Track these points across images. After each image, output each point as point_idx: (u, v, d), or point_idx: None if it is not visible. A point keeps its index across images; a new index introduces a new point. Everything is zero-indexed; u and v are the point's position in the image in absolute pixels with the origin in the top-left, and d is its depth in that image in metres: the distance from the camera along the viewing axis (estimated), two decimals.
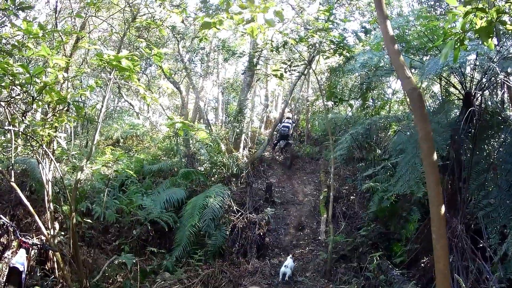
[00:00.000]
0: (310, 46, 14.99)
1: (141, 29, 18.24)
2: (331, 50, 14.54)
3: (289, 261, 12.65)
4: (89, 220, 11.65)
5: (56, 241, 9.30)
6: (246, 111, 21.95)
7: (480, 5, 5.23)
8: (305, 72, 19.19)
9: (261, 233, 14.76)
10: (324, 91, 18.07)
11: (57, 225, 9.86)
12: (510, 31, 5.91)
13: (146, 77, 23.45)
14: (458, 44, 5.55)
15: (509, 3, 5.53)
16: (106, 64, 8.04)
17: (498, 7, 5.23)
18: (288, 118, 23.93)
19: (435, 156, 5.94)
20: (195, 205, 14.24)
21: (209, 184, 17.10)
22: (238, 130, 20.86)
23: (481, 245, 8.93)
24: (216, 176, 18.36)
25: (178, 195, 15.09)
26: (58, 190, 11.34)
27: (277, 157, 25.35)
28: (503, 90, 12.96)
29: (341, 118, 21.96)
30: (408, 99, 15.65)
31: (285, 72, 14.53)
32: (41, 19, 18.71)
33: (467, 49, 9.34)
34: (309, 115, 28.69)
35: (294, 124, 24.81)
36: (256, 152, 21.46)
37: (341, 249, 13.55)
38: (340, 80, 19.26)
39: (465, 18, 5.37)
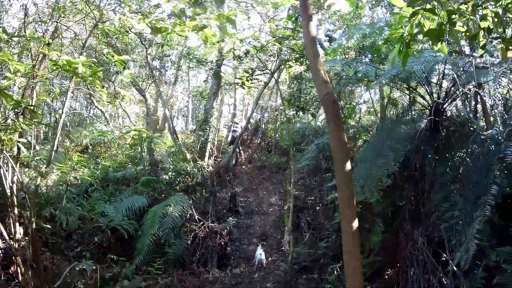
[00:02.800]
0: (273, 55, 14.77)
1: (110, 36, 17.88)
2: (293, 59, 14.32)
3: (260, 250, 14.35)
4: (48, 226, 11.49)
5: (19, 245, 9.29)
6: (212, 119, 21.59)
7: (429, 6, 4.91)
8: (269, 81, 18.98)
9: (223, 243, 14.59)
10: (285, 100, 17.83)
11: (21, 230, 9.79)
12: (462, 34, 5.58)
13: (113, 85, 22.90)
14: (404, 48, 5.22)
15: (463, 4, 5.20)
16: (60, 69, 7.91)
17: (450, 9, 4.93)
18: (236, 123, 25.55)
19: (348, 166, 5.74)
20: (155, 213, 13.92)
21: (173, 192, 16.80)
22: (203, 139, 20.48)
23: (443, 258, 8.69)
24: (180, 184, 18.01)
25: (139, 203, 14.82)
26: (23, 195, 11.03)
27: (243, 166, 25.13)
28: (474, 101, 12.82)
29: (309, 128, 21.67)
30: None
31: (247, 80, 14.24)
32: (15, 24, 18.24)
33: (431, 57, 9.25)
34: (277, 125, 28.48)
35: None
36: (221, 161, 21.14)
37: (303, 260, 13.37)
38: (302, 88, 18.99)
39: (412, 20, 5.04)
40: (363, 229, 12.01)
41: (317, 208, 17.55)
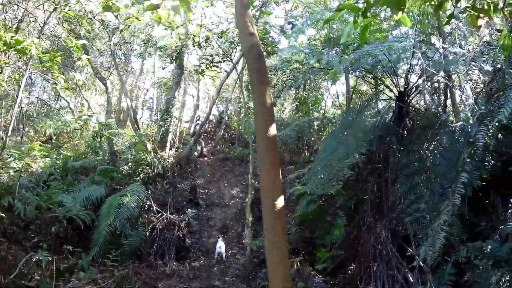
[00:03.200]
0: (233, 42, 14.17)
1: (72, 22, 17.27)
2: None
3: (220, 243, 14.11)
4: (2, 214, 11.23)
5: None
6: (173, 110, 21.04)
7: None
8: (231, 71, 18.43)
9: (181, 235, 14.22)
10: (246, 90, 17.35)
11: None
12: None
13: (74, 71, 22.18)
14: (360, 18, 4.63)
15: None
16: (10, 49, 7.59)
17: None
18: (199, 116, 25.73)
19: (273, 130, 5.50)
20: (111, 204, 13.35)
21: (132, 183, 16.16)
22: (164, 129, 19.94)
23: (409, 253, 8.31)
24: (141, 175, 17.42)
25: (97, 193, 14.22)
26: None
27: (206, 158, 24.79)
28: (443, 93, 12.59)
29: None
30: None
31: (207, 68, 13.72)
32: None
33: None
34: (241, 117, 28.15)
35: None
36: (182, 152, 20.58)
37: (262, 253, 12.91)
38: None
39: None
40: (325, 222, 11.75)
41: None
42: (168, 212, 15.08)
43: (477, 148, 6.90)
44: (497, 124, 6.91)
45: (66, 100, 24.14)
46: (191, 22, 11.79)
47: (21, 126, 24.73)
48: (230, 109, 30.71)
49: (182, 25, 12.94)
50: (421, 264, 7.45)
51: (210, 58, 14.00)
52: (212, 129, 32.05)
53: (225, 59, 14.90)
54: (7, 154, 13.86)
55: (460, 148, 7.96)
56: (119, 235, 13.16)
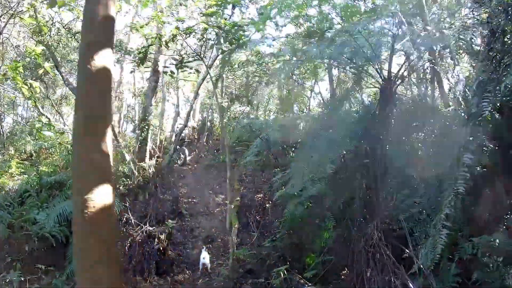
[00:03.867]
0: (201, 39, 13.00)
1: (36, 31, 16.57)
2: (221, 41, 12.72)
3: (204, 254, 13.37)
4: None
5: None
6: (150, 118, 20.20)
7: None
8: (206, 75, 17.33)
9: (161, 248, 13.39)
10: (218, 90, 16.39)
11: None
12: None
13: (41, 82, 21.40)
14: None
15: None
16: None
17: None
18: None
19: (103, 60, 4.17)
20: None
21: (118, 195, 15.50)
22: (141, 139, 19.10)
23: (406, 254, 7.41)
24: (121, 187, 16.66)
25: (71, 208, 13.22)
26: None
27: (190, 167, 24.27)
28: (430, 77, 11.83)
29: (257, 123, 20.54)
30: None
31: (177, 68, 12.76)
32: None
33: None
34: (224, 122, 27.42)
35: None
36: (162, 162, 19.72)
37: (248, 262, 12.13)
38: (235, 74, 17.43)
39: None
40: (313, 225, 10.94)
41: (267, 205, 16.54)
42: (147, 225, 14.24)
43: (482, 119, 6.00)
44: (505, 91, 6.05)
45: (46, 116, 23.36)
46: (154, 19, 10.88)
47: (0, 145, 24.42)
48: (214, 115, 29.92)
49: (146, 24, 12.09)
50: (421, 266, 6.55)
51: (178, 58, 12.98)
52: (196, 137, 31.47)
53: (195, 58, 13.71)
54: None
55: (455, 133, 7.13)
56: None
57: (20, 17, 10.73)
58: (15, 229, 12.52)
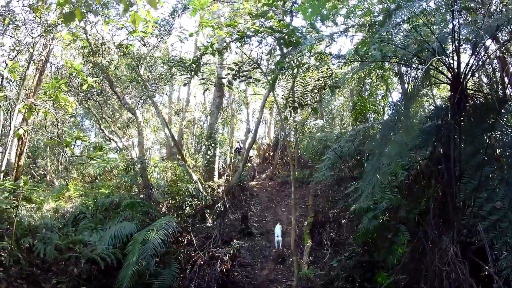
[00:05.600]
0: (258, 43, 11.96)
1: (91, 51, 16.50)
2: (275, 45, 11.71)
3: (278, 231, 14.98)
4: (20, 255, 10.77)
5: None
6: (218, 136, 19.66)
7: None
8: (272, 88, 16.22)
9: (224, 269, 12.71)
10: (277, 98, 15.31)
11: None
12: None
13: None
14: None
15: None
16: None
17: None
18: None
19: None
20: (136, 240, 12.29)
21: (183, 217, 15.67)
22: (209, 157, 18.58)
23: (485, 272, 6.18)
24: (187, 208, 16.38)
25: (127, 230, 13.24)
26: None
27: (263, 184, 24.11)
28: (496, 66, 10.62)
29: (330, 137, 19.61)
30: None
31: (234, 79, 11.89)
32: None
33: None
34: (297, 137, 26.71)
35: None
36: (231, 180, 19.11)
37: (316, 284, 11.26)
38: (295, 80, 16.20)
39: None
40: (386, 240, 9.81)
41: (342, 221, 15.75)
42: (211, 246, 13.86)
43: None
44: None
45: (113, 140, 23.39)
46: (203, 26, 10.17)
47: (65, 169, 25.25)
48: (288, 131, 29.34)
49: (195, 32, 11.46)
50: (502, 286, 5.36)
51: (235, 67, 12.09)
52: (270, 154, 31.04)
53: (253, 66, 12.65)
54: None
55: None
56: (151, 275, 12.24)
57: (50, 31, 10.43)
58: (63, 251, 12.12)
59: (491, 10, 8.80)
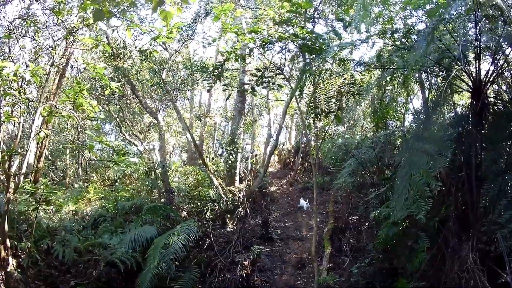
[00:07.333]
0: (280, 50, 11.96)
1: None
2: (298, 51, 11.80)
3: (302, 202, 18.15)
4: (38, 257, 11.01)
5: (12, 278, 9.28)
6: (240, 141, 19.78)
7: None
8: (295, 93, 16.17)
9: (244, 274, 12.78)
10: (300, 104, 15.16)
11: (14, 262, 9.77)
12: None
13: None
14: None
15: None
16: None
17: None
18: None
19: None
20: (157, 244, 12.36)
21: (203, 221, 15.85)
22: (230, 162, 18.67)
23: (502, 279, 6.18)
24: (208, 213, 16.50)
25: (148, 234, 13.29)
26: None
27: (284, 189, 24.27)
28: None
29: (354, 143, 19.61)
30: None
31: (257, 85, 11.97)
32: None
33: None
34: (319, 143, 26.62)
35: None
36: (252, 186, 19.20)
37: None
38: (318, 87, 16.00)
39: None
40: (406, 247, 9.80)
41: (362, 227, 15.63)
42: (231, 250, 13.95)
43: None
44: None
45: (134, 144, 23.57)
46: (226, 31, 10.26)
47: (84, 172, 25.72)
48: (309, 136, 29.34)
49: (218, 38, 11.57)
50: None
51: (258, 73, 12.14)
52: (291, 159, 31.08)
53: (276, 72, 12.63)
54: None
55: None
56: (170, 279, 12.25)
57: (74, 35, 10.59)
58: (82, 254, 12.31)
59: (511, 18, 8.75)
